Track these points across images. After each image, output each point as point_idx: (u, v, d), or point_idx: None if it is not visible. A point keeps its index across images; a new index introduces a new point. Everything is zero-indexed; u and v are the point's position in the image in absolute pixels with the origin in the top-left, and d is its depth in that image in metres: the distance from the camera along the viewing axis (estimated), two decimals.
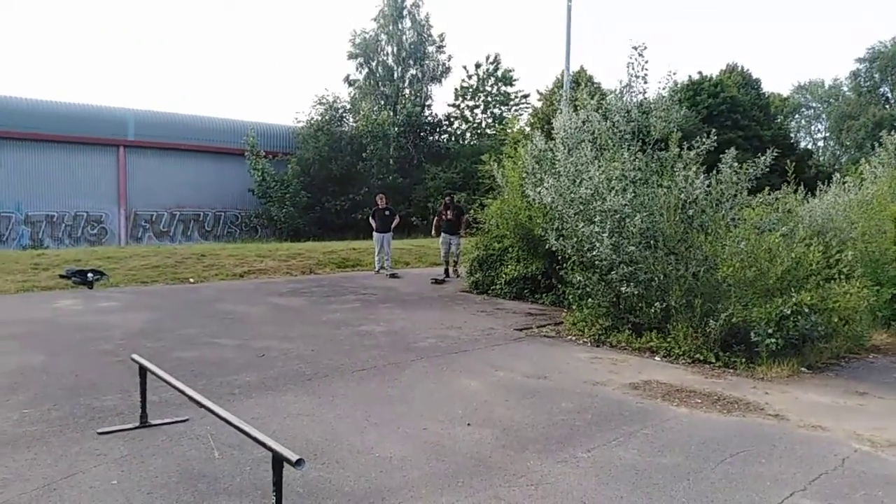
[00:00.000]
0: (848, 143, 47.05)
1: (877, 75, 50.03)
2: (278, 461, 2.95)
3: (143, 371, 4.43)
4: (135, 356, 4.59)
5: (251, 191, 26.14)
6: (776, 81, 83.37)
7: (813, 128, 57.15)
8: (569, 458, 4.13)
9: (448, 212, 13.85)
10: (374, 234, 14.47)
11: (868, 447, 4.38)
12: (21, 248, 20.51)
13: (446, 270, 13.98)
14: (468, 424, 4.74)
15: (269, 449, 2.99)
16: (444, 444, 4.34)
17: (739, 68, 38.66)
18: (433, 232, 14.85)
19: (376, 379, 5.94)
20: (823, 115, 55.15)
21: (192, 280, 12.55)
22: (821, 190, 12.04)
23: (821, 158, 48.32)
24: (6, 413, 4.72)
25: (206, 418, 4.58)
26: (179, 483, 3.65)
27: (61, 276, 11.65)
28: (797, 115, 56.10)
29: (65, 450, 4.07)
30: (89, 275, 11.56)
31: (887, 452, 4.29)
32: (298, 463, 2.84)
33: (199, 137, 26.05)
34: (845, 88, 53.24)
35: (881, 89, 50.41)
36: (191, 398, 3.81)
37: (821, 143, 55.86)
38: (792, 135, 47.61)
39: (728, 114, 33.01)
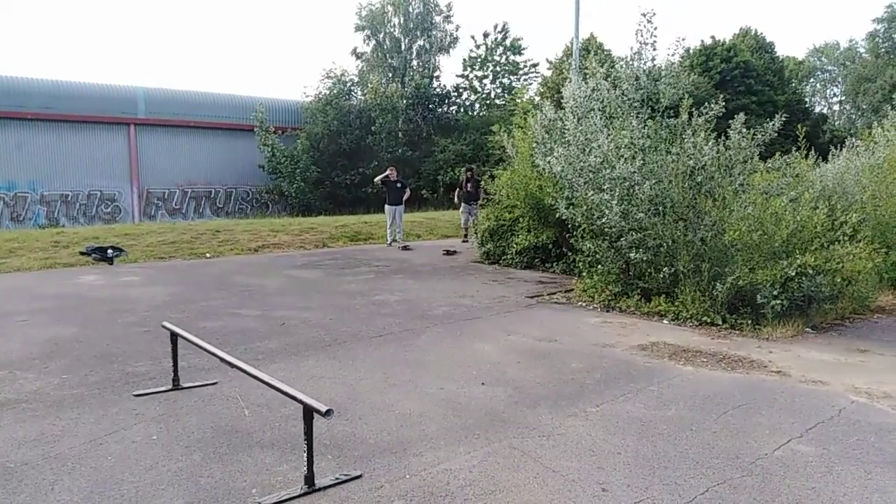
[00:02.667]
0: (864, 107, 46.35)
1: (895, 35, 49.00)
2: (308, 412, 3.19)
3: (174, 337, 4.68)
4: (165, 323, 4.84)
5: (261, 167, 26.34)
6: (791, 45, 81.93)
7: (829, 91, 56.26)
8: (578, 413, 4.36)
9: (468, 184, 15.17)
10: (386, 206, 14.65)
11: (864, 399, 4.58)
12: (38, 227, 20.90)
13: (465, 236, 15.12)
14: (482, 384, 4.98)
15: (300, 401, 3.24)
16: (460, 402, 4.58)
17: (753, 32, 38.06)
18: (455, 200, 16.26)
19: (393, 344, 6.19)
20: (839, 79, 54.25)
21: (208, 255, 12.83)
22: (833, 154, 12.06)
23: (836, 123, 47.71)
24: (47, 378, 5.01)
25: (234, 381, 4.87)
26: (214, 438, 3.92)
27: (81, 253, 11.96)
28: (812, 79, 55.21)
29: (105, 410, 4.36)
30: (109, 251, 11.86)
31: (882, 403, 4.49)
32: (328, 413, 3.08)
33: (209, 114, 26.19)
34: (862, 50, 52.23)
35: None
36: (222, 359, 4.06)
37: (836, 108, 55.05)
38: (807, 99, 46.95)
39: (741, 79, 32.67)
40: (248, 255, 13.19)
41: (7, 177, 22.25)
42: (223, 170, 26.72)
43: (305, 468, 3.26)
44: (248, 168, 26.67)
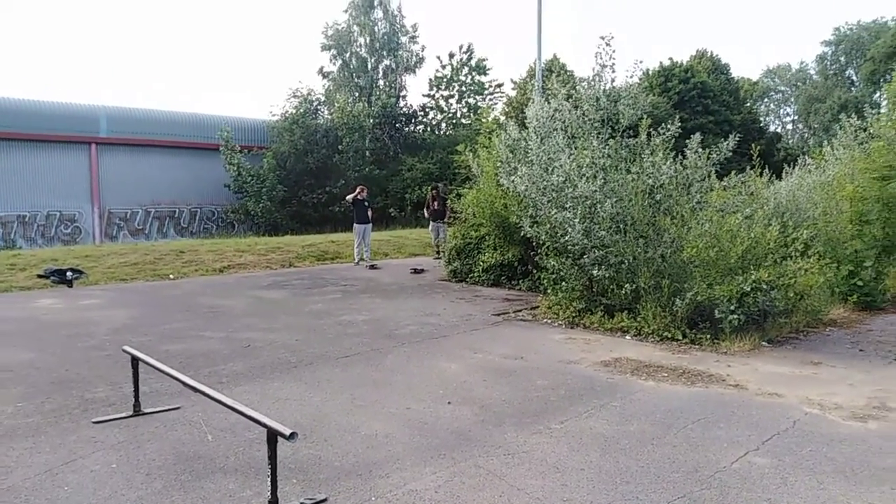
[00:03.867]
0: (815, 126, 48.14)
1: (842, 58, 51.21)
2: (272, 436, 3.18)
3: (134, 361, 4.60)
4: (126, 347, 4.76)
5: (227, 186, 26.05)
6: (746, 66, 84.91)
7: (782, 111, 58.31)
8: (543, 430, 4.42)
9: (435, 202, 15.43)
10: (355, 225, 14.64)
11: (817, 410, 4.74)
12: None
13: (437, 253, 15.14)
14: (449, 403, 5.00)
15: (263, 425, 3.22)
16: (426, 422, 4.59)
17: (709, 54, 39.34)
18: (427, 216, 16.44)
19: (360, 365, 6.17)
20: (792, 99, 56.29)
21: (172, 276, 12.62)
22: (787, 173, 12.52)
23: (790, 141, 49.35)
24: (2, 406, 4.86)
25: (197, 405, 4.80)
26: (176, 464, 3.85)
27: (39, 276, 11.65)
28: (766, 99, 57.18)
29: (62, 438, 4.25)
30: (68, 273, 11.58)
31: (834, 414, 4.65)
32: (292, 436, 3.07)
33: (173, 133, 25.85)
34: (812, 72, 54.40)
35: (847, 72, 51.61)
36: (184, 383, 4.01)
37: (790, 126, 57.04)
38: (761, 118, 48.55)
39: (699, 99, 33.66)
40: (213, 275, 13.01)
41: None
42: (188, 189, 26.33)
43: (269, 494, 3.23)
44: (213, 187, 26.34)
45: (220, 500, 3.40)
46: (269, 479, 3.22)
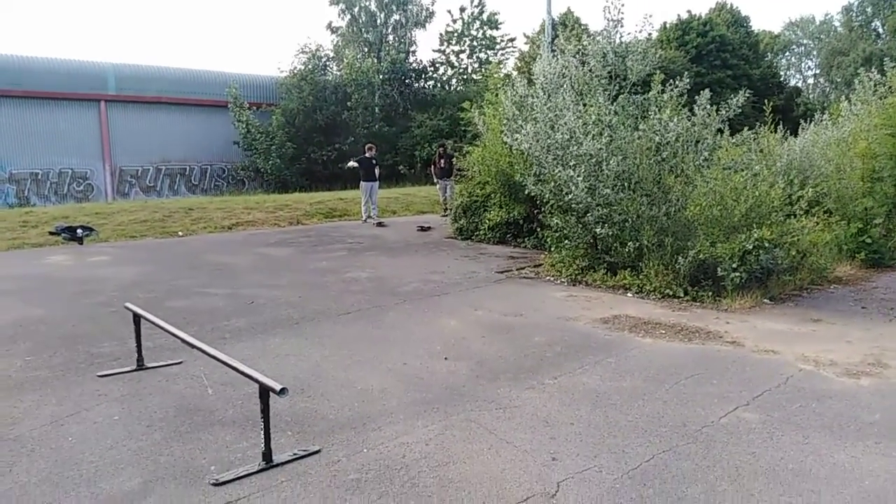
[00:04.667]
0: (838, 80, 46.76)
1: (869, 9, 49.34)
2: (264, 391, 3.26)
3: (136, 318, 4.70)
4: (128, 304, 4.85)
5: (236, 143, 26.01)
6: (767, 19, 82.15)
7: (803, 65, 56.67)
8: (536, 385, 4.48)
9: (442, 161, 15.33)
10: (362, 182, 14.62)
11: (811, 367, 4.76)
12: (7, 206, 20.52)
13: (445, 210, 14.90)
14: (445, 359, 5.07)
15: (255, 381, 3.30)
16: (422, 377, 4.67)
17: (729, 6, 38.16)
18: (434, 178, 16.36)
19: (361, 321, 6.26)
20: (814, 52, 54.61)
21: (180, 233, 12.74)
22: (802, 128, 12.26)
23: (810, 96, 48.12)
24: (10, 360, 5.01)
25: (199, 360, 4.89)
26: (176, 417, 3.97)
27: (51, 233, 11.81)
28: (787, 53, 55.54)
29: (68, 391, 4.38)
30: (78, 231, 11.72)
31: (828, 371, 4.67)
32: (282, 392, 3.15)
33: (182, 90, 25.71)
34: (837, 24, 52.58)
35: (873, 24, 49.80)
36: (182, 340, 4.10)
37: (811, 81, 55.51)
38: (782, 73, 47.31)
39: (717, 53, 32.81)
40: (222, 232, 13.12)
41: None
42: (198, 146, 26.33)
43: (263, 445, 3.33)
44: (223, 144, 26.31)
45: (216, 451, 3.51)
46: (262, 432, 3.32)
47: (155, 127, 25.23)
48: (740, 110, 8.13)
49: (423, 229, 13.28)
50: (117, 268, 9.09)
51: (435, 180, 16.17)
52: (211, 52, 68.23)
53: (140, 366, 4.79)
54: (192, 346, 3.98)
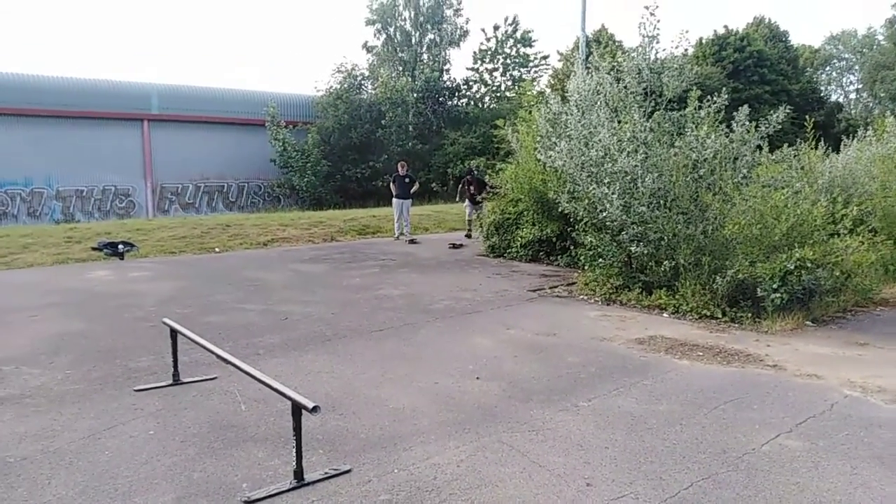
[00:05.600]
0: (882, 95, 45.47)
1: None
2: (297, 409, 3.26)
3: (173, 333, 4.78)
4: (166, 320, 4.94)
5: (273, 161, 26.48)
6: (806, 33, 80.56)
7: (845, 80, 55.28)
8: (570, 407, 4.40)
9: (471, 187, 14.86)
10: (394, 200, 14.71)
11: (858, 393, 4.57)
12: (53, 222, 21.24)
13: (469, 231, 14.90)
14: (477, 378, 5.03)
15: (288, 398, 3.31)
16: (453, 397, 4.63)
17: (767, 21, 37.58)
18: (458, 198, 16.49)
19: (393, 339, 6.25)
20: (856, 67, 53.26)
21: (217, 249, 12.98)
22: (845, 145, 11.93)
23: (852, 111, 46.87)
24: (52, 373, 5.13)
25: (233, 376, 4.95)
26: (210, 432, 4.00)
27: (93, 249, 12.15)
28: (828, 67, 54.29)
29: (105, 405, 4.46)
30: (120, 246, 12.04)
31: (876, 397, 4.48)
32: (314, 410, 3.15)
33: (221, 109, 26.39)
34: (880, 37, 51.17)
35: None
36: (218, 356, 4.15)
37: (853, 96, 54.08)
38: (822, 88, 46.24)
39: (754, 68, 32.30)
40: (257, 249, 13.32)
41: (24, 173, 22.58)
42: (235, 164, 26.92)
43: (295, 463, 3.33)
44: (259, 162, 26.84)
45: (248, 468, 3.52)
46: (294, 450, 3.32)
47: (195, 145, 25.90)
48: (780, 126, 7.96)
49: (454, 247, 13.28)
50: (156, 283, 9.29)
51: (458, 199, 16.08)
52: (249, 72, 70.01)
53: (176, 381, 4.86)
54: (227, 363, 4.02)
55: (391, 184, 14.96)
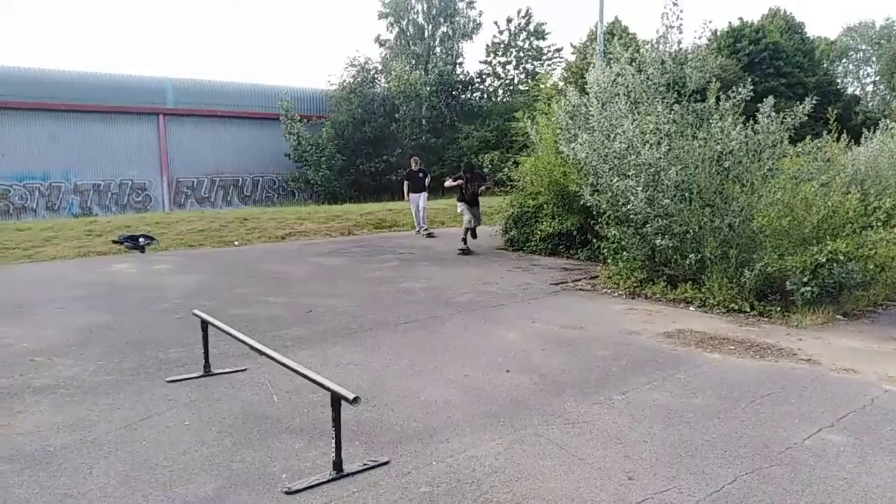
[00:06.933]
0: None
1: None
2: (336, 399, 3.25)
3: (204, 324, 4.78)
4: (196, 311, 4.94)
5: (287, 155, 26.53)
6: (823, 25, 79.49)
7: (862, 72, 54.51)
8: (604, 401, 4.36)
9: (469, 185, 11.98)
10: (410, 195, 14.67)
11: None
12: (72, 215, 21.41)
13: (465, 241, 11.72)
14: (507, 371, 5.00)
15: (328, 389, 3.29)
16: (484, 389, 4.61)
17: (782, 13, 37.10)
18: (406, 195, 14.54)
19: (419, 331, 6.23)
20: (874, 59, 52.51)
21: (236, 243, 13.02)
22: (866, 137, 11.75)
23: (869, 104, 46.23)
24: (84, 364, 5.16)
25: (262, 367, 4.96)
26: (245, 423, 4.00)
27: (114, 242, 12.23)
28: (845, 60, 53.56)
29: (139, 396, 4.48)
30: (140, 239, 12.11)
31: None
32: (355, 401, 3.13)
33: (235, 103, 26.47)
34: None
35: None
36: (252, 347, 4.14)
37: (870, 88, 53.33)
38: (839, 80, 45.63)
39: (770, 61, 31.91)
40: (276, 242, 13.35)
41: (42, 167, 22.77)
42: (250, 158, 27.00)
43: (334, 454, 3.32)
44: (274, 156, 26.90)
45: (286, 459, 3.51)
46: (332, 441, 3.31)
47: (210, 139, 26.01)
48: (805, 118, 7.83)
49: (464, 252, 11.57)
50: (178, 276, 9.33)
51: (458, 207, 12.24)
52: (263, 66, 70.11)
53: (207, 372, 4.86)
54: (263, 354, 4.01)
55: (405, 181, 14.88)
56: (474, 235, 12.08)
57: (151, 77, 25.39)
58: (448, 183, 12.59)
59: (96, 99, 23.41)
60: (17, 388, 4.64)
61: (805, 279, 6.43)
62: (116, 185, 24.27)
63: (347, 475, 3.31)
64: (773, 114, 7.86)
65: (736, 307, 6.89)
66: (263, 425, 3.97)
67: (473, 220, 11.90)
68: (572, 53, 34.26)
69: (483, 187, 12.33)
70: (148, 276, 9.27)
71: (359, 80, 27.88)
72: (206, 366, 4.88)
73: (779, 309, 6.68)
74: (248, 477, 3.32)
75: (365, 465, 3.42)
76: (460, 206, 12.19)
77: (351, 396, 3.14)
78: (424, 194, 14.82)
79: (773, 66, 31.72)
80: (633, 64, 9.00)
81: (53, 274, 9.59)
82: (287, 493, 3.15)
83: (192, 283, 8.76)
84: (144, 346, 5.67)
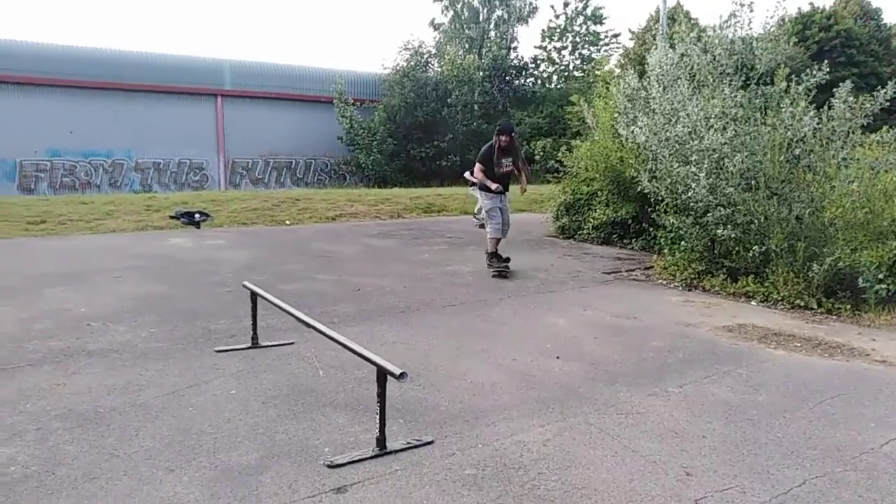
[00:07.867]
0: None
1: None
2: (382, 375, 3.16)
3: (254, 297, 4.78)
4: (246, 283, 4.95)
5: (340, 138, 26.71)
6: None
7: None
8: (659, 392, 4.15)
9: (504, 159, 8.20)
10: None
11: None
12: (133, 192, 22.13)
13: (497, 251, 8.28)
14: (557, 357, 4.83)
15: (374, 363, 3.21)
16: (533, 374, 4.46)
17: None
18: (482, 186, 8.50)
19: (466, 314, 6.12)
20: None
21: (288, 222, 13.17)
22: None
23: None
24: (137, 331, 5.25)
25: (309, 342, 4.94)
26: (290, 396, 3.97)
27: (171, 217, 12.54)
28: None
29: (188, 363, 4.51)
30: (196, 216, 12.37)
31: None
32: (402, 376, 3.04)
33: (290, 86, 26.77)
34: None
35: None
36: (300, 320, 4.10)
37: None
38: None
39: (841, 49, 30.26)
40: (326, 223, 13.44)
41: (106, 145, 23.58)
42: (303, 141, 27.32)
43: (377, 430, 3.24)
44: (327, 139, 27.13)
45: (329, 433, 3.45)
46: (377, 417, 3.23)
47: (265, 121, 26.40)
48: (888, 104, 7.31)
49: (500, 275, 10.43)
50: (231, 251, 9.47)
51: (476, 193, 9.76)
52: (318, 49, 70.89)
53: (255, 344, 4.87)
54: (310, 327, 3.96)
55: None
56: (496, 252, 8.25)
57: (210, 58, 25.92)
58: (478, 175, 8.31)
59: (158, 79, 24.04)
60: (73, 350, 4.75)
61: (880, 276, 6.02)
62: (175, 164, 24.94)
63: (390, 453, 3.23)
64: (850, 99, 7.37)
65: (802, 303, 6.51)
66: (308, 398, 3.93)
67: (503, 226, 8.27)
68: (630, 39, 33.33)
69: (519, 172, 8.56)
70: (202, 251, 9.44)
71: (412, 63, 27.78)
72: (254, 338, 4.89)
73: (849, 307, 6.27)
74: (291, 448, 3.27)
75: (408, 443, 3.34)
76: (479, 194, 8.82)
77: (397, 372, 3.05)
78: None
79: (844, 54, 30.07)
80: (700, 44, 8.59)
81: (113, 245, 9.87)
82: (329, 466, 3.09)
83: (244, 258, 8.87)
84: (195, 317, 5.74)
